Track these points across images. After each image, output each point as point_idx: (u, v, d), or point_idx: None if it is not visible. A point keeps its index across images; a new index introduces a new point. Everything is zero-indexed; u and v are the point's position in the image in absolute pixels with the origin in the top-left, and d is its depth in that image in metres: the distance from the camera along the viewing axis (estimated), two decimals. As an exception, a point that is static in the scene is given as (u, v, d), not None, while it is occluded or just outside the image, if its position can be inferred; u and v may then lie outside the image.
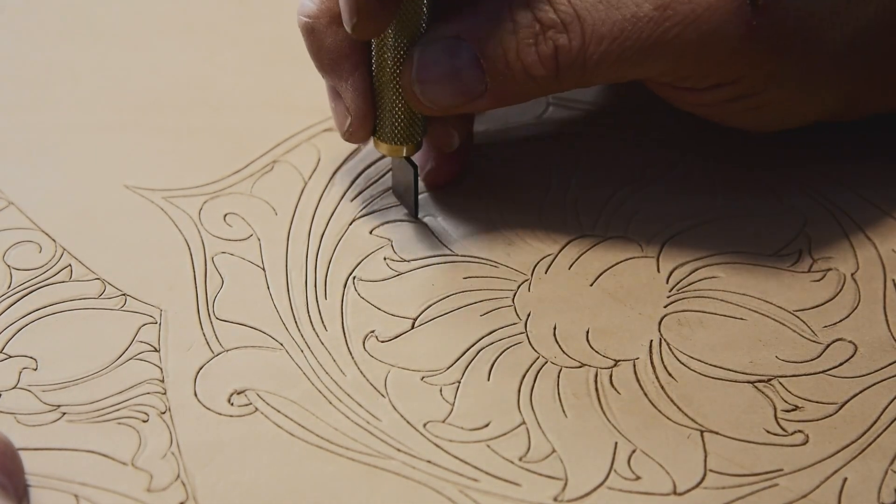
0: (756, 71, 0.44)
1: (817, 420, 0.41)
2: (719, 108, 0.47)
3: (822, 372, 0.43)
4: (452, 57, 0.44)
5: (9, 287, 0.45)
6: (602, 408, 0.41)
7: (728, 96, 0.46)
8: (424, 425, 0.41)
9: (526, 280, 0.46)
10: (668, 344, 0.43)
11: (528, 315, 0.44)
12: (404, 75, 0.45)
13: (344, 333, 0.44)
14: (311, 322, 0.44)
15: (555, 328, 0.44)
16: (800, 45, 0.44)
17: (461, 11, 0.44)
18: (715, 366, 0.43)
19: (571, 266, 0.46)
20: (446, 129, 0.47)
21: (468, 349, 0.43)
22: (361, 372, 0.42)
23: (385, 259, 0.46)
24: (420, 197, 0.48)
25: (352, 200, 0.49)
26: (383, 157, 0.50)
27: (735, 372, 0.42)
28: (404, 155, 0.47)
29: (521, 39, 0.43)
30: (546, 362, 0.43)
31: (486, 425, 0.41)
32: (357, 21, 0.43)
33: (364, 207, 0.48)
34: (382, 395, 0.42)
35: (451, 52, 0.44)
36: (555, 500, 0.39)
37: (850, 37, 0.44)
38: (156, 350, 0.43)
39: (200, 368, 0.42)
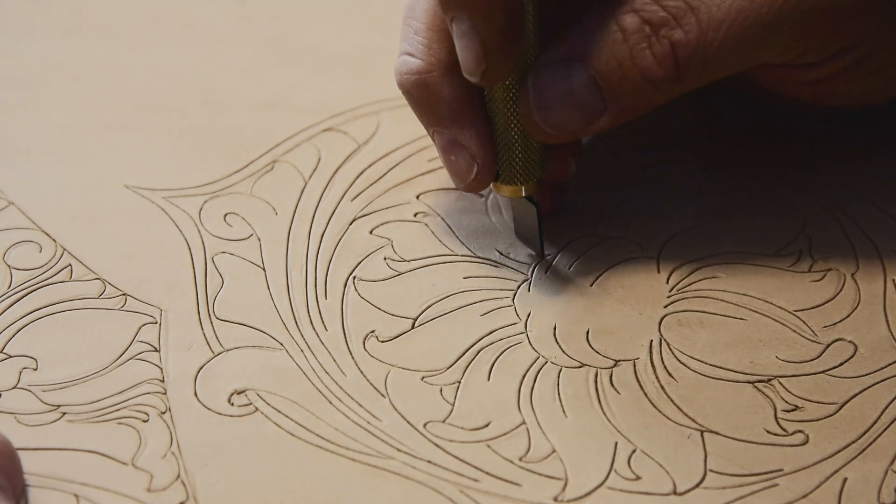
0: (882, 27, 0.43)
1: (817, 420, 0.41)
2: (839, 81, 0.45)
3: (823, 372, 0.43)
4: (566, 79, 0.42)
5: (9, 287, 0.45)
6: (602, 408, 0.41)
7: (851, 61, 0.44)
8: (425, 425, 0.41)
9: (526, 280, 0.46)
10: (668, 344, 0.43)
11: (529, 315, 0.44)
12: (521, 105, 0.43)
13: (344, 333, 0.44)
14: (311, 322, 0.44)
15: (555, 328, 0.44)
16: None
17: (567, 32, 0.43)
18: (715, 366, 0.43)
19: (571, 266, 0.46)
20: (563, 158, 0.46)
21: (468, 349, 0.43)
22: (362, 372, 0.42)
23: (385, 259, 0.46)
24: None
25: (352, 200, 0.49)
26: (384, 156, 0.50)
27: (735, 372, 0.42)
28: (524, 194, 0.45)
29: (633, 45, 0.42)
30: (546, 362, 0.43)
31: (487, 425, 0.41)
32: (486, 68, 0.41)
33: (364, 207, 0.48)
34: (383, 395, 0.42)
35: (564, 74, 0.42)
36: (555, 500, 0.39)
37: None
38: (156, 350, 0.43)
39: (201, 368, 0.42)
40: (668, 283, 0.46)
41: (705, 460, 0.40)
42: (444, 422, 0.41)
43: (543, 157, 0.45)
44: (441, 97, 0.44)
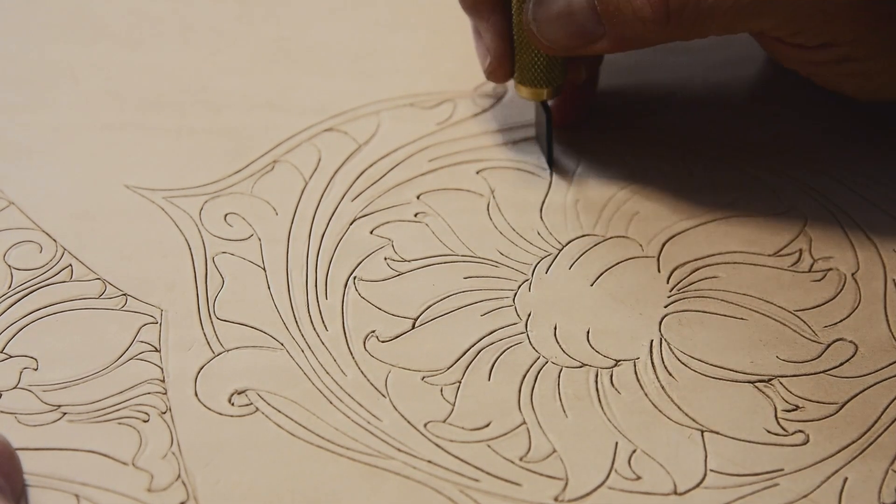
0: (870, 35, 0.44)
1: (818, 420, 0.41)
2: (825, 69, 0.47)
3: (823, 372, 0.43)
4: None
5: (9, 287, 0.45)
6: (602, 408, 0.41)
7: (837, 57, 0.45)
8: (425, 425, 0.41)
9: (526, 280, 0.46)
10: (668, 344, 0.43)
11: (529, 315, 0.44)
12: (524, 14, 0.46)
13: (344, 333, 0.44)
14: (311, 322, 0.44)
15: (555, 328, 0.44)
16: None
17: None
18: (715, 366, 0.43)
19: (572, 266, 0.46)
20: (576, 65, 0.49)
21: (469, 349, 0.43)
22: (362, 372, 0.42)
23: (385, 259, 0.46)
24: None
25: (352, 200, 0.49)
26: (384, 156, 0.50)
27: (735, 372, 0.42)
28: (544, 98, 0.48)
29: None
30: (546, 362, 0.43)
31: (487, 425, 0.41)
32: (490, 68, 0.48)
33: (365, 207, 0.48)
34: (383, 395, 0.42)
35: None
36: (555, 499, 0.39)
37: None
38: (156, 350, 0.43)
39: (201, 368, 0.42)
40: (668, 283, 0.46)
41: (705, 460, 0.40)
42: (444, 422, 0.41)
43: (564, 68, 0.48)
44: None
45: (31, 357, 0.42)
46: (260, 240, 0.47)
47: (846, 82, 0.48)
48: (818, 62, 0.47)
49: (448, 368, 0.42)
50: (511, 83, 0.51)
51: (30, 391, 0.41)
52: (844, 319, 0.44)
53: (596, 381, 0.42)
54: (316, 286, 0.45)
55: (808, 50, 0.46)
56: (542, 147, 0.50)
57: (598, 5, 0.45)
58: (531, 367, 0.43)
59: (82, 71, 0.55)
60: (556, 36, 0.46)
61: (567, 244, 0.47)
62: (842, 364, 0.43)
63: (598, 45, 0.46)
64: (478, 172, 0.50)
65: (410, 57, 0.56)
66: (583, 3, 0.45)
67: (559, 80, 0.48)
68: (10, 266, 0.45)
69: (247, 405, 0.41)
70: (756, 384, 0.42)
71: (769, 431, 0.41)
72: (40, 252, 0.46)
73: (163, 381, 0.42)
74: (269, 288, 0.45)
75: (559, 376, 0.42)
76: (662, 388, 0.42)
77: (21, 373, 0.42)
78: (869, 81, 0.47)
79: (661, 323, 0.44)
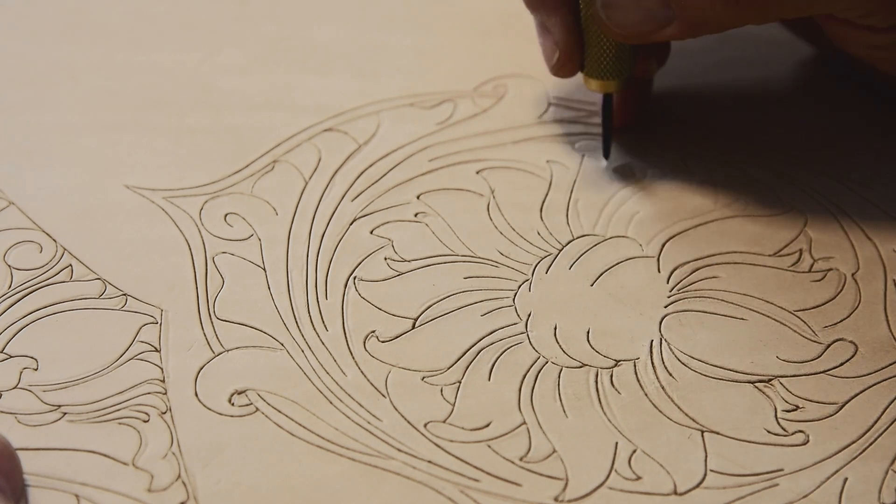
0: None
1: (818, 420, 0.41)
2: (891, 52, 0.47)
3: (823, 372, 0.43)
4: None
5: (9, 287, 0.45)
6: (602, 408, 0.41)
7: None
8: (425, 425, 0.41)
9: (526, 280, 0.46)
10: (668, 344, 0.43)
11: (529, 315, 0.44)
12: (594, 1, 0.46)
13: (345, 333, 0.44)
14: (311, 322, 0.44)
15: (555, 328, 0.44)
16: None
17: None
18: (715, 366, 0.43)
19: (572, 266, 0.46)
20: (647, 58, 0.49)
21: (469, 349, 0.43)
22: (362, 372, 0.42)
23: (385, 259, 0.46)
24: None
25: (352, 200, 0.49)
26: (384, 156, 0.50)
27: (735, 372, 0.42)
28: (612, 90, 0.49)
29: None
30: (547, 362, 0.43)
31: (487, 425, 0.41)
32: (557, 64, 0.48)
33: (365, 207, 0.48)
34: (383, 396, 0.42)
35: None
36: (555, 500, 0.39)
37: None
38: (156, 350, 0.43)
39: (201, 368, 0.42)
40: (668, 283, 0.46)
41: (706, 460, 0.40)
42: (444, 422, 0.41)
43: (632, 59, 0.48)
44: None
45: (31, 357, 0.42)
46: (260, 240, 0.47)
47: None
48: (887, 45, 0.46)
49: (448, 368, 0.42)
50: (511, 86, 0.51)
51: (30, 391, 0.41)
52: (844, 319, 0.44)
53: (596, 382, 0.42)
54: (316, 286, 0.45)
55: (878, 32, 0.45)
56: (602, 138, 0.50)
57: None
58: (531, 367, 0.43)
59: (82, 71, 0.55)
60: (626, 21, 0.46)
61: (567, 244, 0.47)
62: (842, 364, 0.43)
63: (667, 30, 0.45)
64: (478, 172, 0.50)
65: (410, 57, 0.56)
66: None
67: (627, 73, 0.48)
68: (10, 266, 0.45)
69: (247, 405, 0.41)
70: (756, 384, 0.42)
71: (769, 431, 0.41)
72: (40, 252, 0.46)
73: (163, 381, 0.42)
74: (269, 288, 0.45)
75: (559, 376, 0.42)
76: (662, 388, 0.42)
77: (21, 373, 0.42)
78: None
79: (661, 323, 0.44)
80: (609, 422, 0.41)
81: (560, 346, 0.43)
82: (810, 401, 0.42)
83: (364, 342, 0.43)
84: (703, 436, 0.40)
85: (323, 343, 0.43)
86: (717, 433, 0.41)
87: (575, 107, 0.54)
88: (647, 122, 0.52)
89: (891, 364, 0.43)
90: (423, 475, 0.39)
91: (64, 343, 0.43)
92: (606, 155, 0.50)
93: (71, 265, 0.46)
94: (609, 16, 0.46)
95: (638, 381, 0.42)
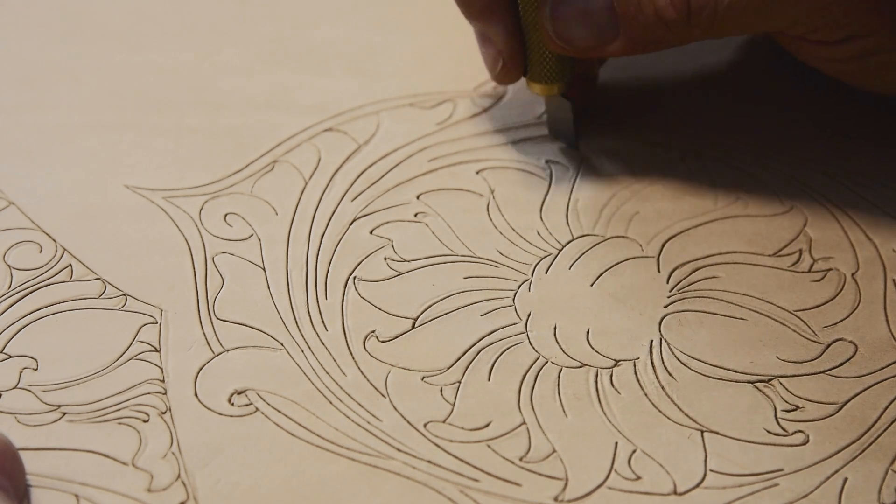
0: (891, 25, 0.44)
1: (817, 420, 0.41)
2: (850, 66, 0.47)
3: (823, 372, 0.43)
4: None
5: (9, 287, 0.45)
6: (602, 408, 0.41)
7: (859, 51, 0.46)
8: (425, 425, 0.41)
9: (526, 280, 0.46)
10: (668, 344, 0.43)
11: (529, 315, 0.44)
12: (540, 12, 0.46)
13: (344, 333, 0.44)
14: (311, 322, 0.44)
15: (555, 328, 0.44)
16: None
17: None
18: (715, 366, 0.43)
19: (571, 266, 0.46)
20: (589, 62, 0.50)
21: (468, 349, 0.43)
22: (362, 372, 0.42)
23: (385, 259, 0.46)
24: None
25: (352, 200, 0.49)
26: (384, 156, 0.50)
27: (735, 372, 0.42)
28: (556, 93, 0.49)
29: None
30: (546, 362, 0.43)
31: (487, 425, 0.41)
32: (500, 71, 0.48)
33: (364, 207, 0.48)
34: (383, 396, 0.42)
35: None
36: (555, 500, 0.39)
37: None
38: (156, 350, 0.43)
39: (201, 368, 0.42)
40: (668, 282, 0.46)
41: (705, 460, 0.40)
42: (444, 422, 0.41)
43: (570, 61, 0.48)
44: None
45: (31, 357, 0.42)
46: (260, 240, 0.47)
47: (873, 77, 0.48)
48: (841, 58, 0.46)
49: (448, 368, 0.42)
50: (511, 86, 0.51)
51: (30, 391, 0.41)
52: (844, 319, 0.44)
53: (596, 382, 0.42)
54: (316, 286, 0.45)
55: (830, 46, 0.46)
56: (560, 136, 0.51)
57: (617, 6, 0.45)
58: (531, 367, 0.43)
59: (82, 71, 0.55)
60: (572, 36, 0.46)
61: (567, 244, 0.47)
62: (842, 364, 0.43)
63: (610, 46, 0.46)
64: (478, 172, 0.50)
65: (410, 57, 0.56)
66: (601, 3, 0.45)
67: (569, 74, 0.49)
68: (10, 266, 0.45)
69: (247, 405, 0.41)
70: (756, 384, 0.42)
71: (769, 431, 0.41)
72: (40, 252, 0.46)
73: (163, 381, 0.42)
74: (268, 288, 0.45)
75: (559, 376, 0.42)
76: (662, 388, 0.42)
77: (21, 373, 0.42)
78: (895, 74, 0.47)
79: (660, 323, 0.44)
80: (609, 422, 0.41)
81: (560, 345, 0.43)
82: (810, 401, 0.42)
83: (364, 342, 0.43)
84: (702, 436, 0.40)
85: (323, 343, 0.43)
86: (717, 433, 0.41)
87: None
88: (647, 122, 0.52)
89: (891, 364, 0.43)
90: (422, 475, 0.39)
91: (64, 343, 0.43)
92: (575, 145, 0.51)
93: (71, 265, 0.46)
94: (556, 30, 0.46)
95: (638, 381, 0.42)
